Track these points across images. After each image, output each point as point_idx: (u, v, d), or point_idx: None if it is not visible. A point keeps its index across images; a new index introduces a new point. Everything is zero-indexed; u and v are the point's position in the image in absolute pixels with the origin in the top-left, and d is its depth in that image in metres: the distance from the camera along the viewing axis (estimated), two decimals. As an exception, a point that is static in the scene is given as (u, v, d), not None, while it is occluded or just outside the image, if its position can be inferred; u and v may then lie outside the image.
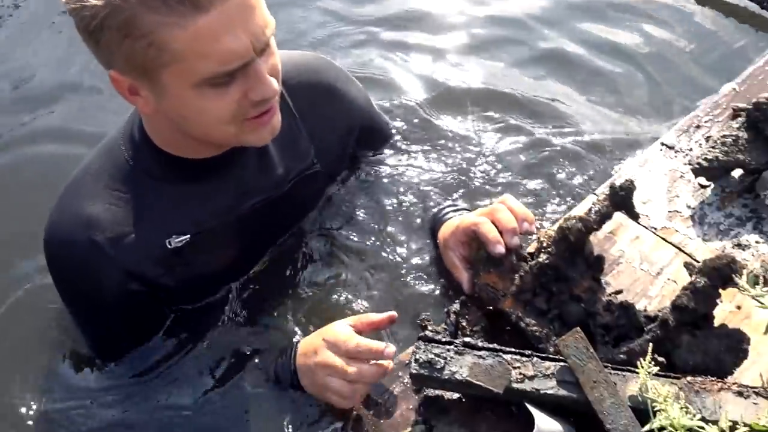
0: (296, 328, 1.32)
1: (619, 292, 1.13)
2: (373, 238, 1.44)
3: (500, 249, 1.07)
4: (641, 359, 0.91)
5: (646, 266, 1.20)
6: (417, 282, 1.36)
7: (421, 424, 1.03)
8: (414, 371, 1.00)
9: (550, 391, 0.96)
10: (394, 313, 1.12)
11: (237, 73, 1.02)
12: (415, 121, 1.76)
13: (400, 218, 1.46)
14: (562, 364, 0.98)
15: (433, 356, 1.00)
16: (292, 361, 1.15)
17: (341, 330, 1.09)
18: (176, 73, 0.99)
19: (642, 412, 0.89)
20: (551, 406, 0.97)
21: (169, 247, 1.19)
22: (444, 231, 1.26)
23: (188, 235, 1.21)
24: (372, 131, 1.54)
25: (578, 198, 1.44)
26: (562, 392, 0.95)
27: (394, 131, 1.63)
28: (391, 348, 1.05)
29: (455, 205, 1.39)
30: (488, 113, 1.80)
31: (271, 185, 1.31)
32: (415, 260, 1.39)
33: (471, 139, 1.68)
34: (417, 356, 1.00)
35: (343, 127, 1.44)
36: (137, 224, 1.17)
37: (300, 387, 1.15)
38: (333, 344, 1.07)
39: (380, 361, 1.05)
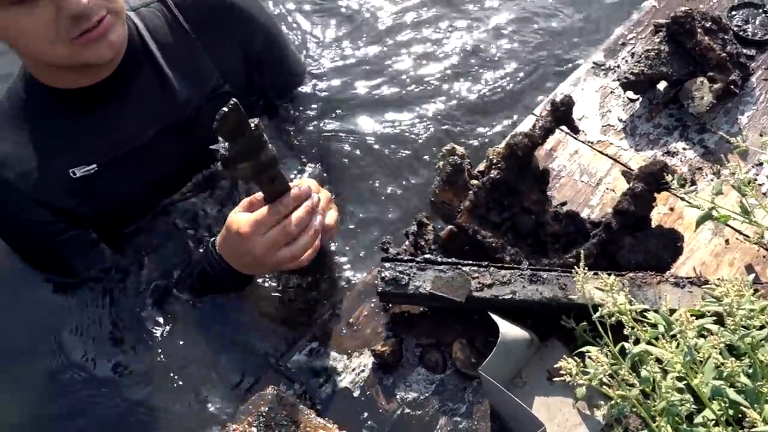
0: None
1: (564, 203, 1.21)
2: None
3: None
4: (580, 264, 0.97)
5: (585, 178, 1.28)
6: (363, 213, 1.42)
7: (392, 338, 1.09)
8: (380, 289, 1.06)
9: (507, 297, 1.03)
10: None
11: None
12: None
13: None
14: (517, 271, 1.05)
15: (397, 273, 1.06)
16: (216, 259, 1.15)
17: (247, 215, 1.05)
18: None
19: (587, 308, 0.97)
20: (511, 310, 1.04)
21: (74, 176, 1.22)
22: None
23: (93, 165, 1.23)
24: (276, 60, 1.48)
25: (519, 119, 1.50)
26: (519, 296, 1.03)
27: (307, 76, 1.60)
28: (301, 185, 1.04)
29: None
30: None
31: (174, 110, 1.30)
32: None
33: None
34: (383, 275, 1.06)
35: (243, 48, 1.40)
36: (42, 158, 1.21)
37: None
38: (255, 226, 1.03)
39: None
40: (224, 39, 1.35)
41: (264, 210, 1.02)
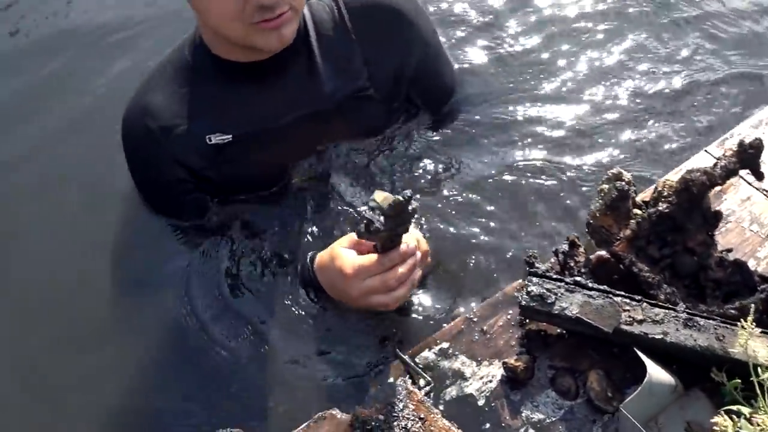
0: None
1: (729, 250, 1.14)
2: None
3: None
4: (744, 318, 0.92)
5: (755, 227, 1.20)
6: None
7: (525, 354, 1.07)
8: (524, 303, 1.04)
9: (658, 336, 0.98)
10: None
11: None
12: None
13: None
14: (672, 312, 1.00)
15: (544, 291, 1.04)
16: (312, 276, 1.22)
17: (353, 258, 1.10)
18: None
19: (745, 365, 0.91)
20: (657, 351, 1.00)
21: (209, 143, 1.30)
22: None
23: (230, 135, 1.31)
24: (431, 74, 1.51)
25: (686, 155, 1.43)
26: (671, 339, 0.98)
27: (458, 90, 1.60)
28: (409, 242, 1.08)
29: None
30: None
31: (315, 99, 1.35)
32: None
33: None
34: (529, 289, 1.04)
35: (400, 58, 1.43)
36: (187, 118, 1.30)
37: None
38: (358, 271, 1.08)
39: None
40: (383, 47, 1.40)
41: (371, 259, 1.08)
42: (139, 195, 1.44)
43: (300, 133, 1.36)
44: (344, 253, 1.11)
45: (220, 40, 1.25)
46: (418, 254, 1.11)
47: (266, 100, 1.32)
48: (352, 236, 1.13)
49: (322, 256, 1.19)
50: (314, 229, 1.39)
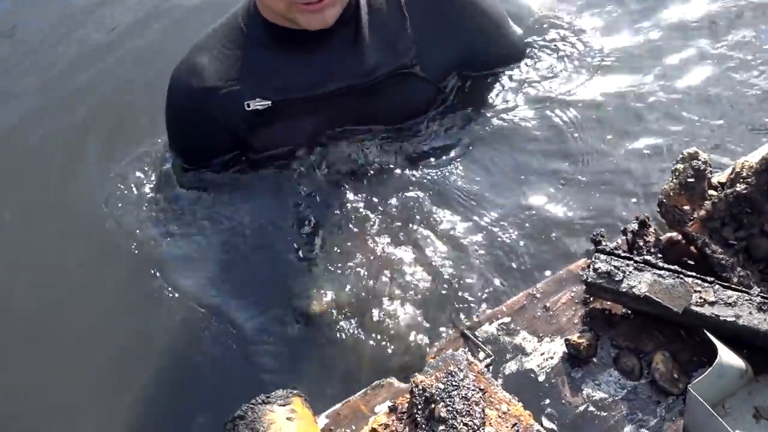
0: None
1: (808, 235, 1.10)
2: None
3: None
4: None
5: (837, 214, 1.15)
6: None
7: (588, 332, 1.05)
8: (591, 280, 1.02)
9: (729, 319, 0.95)
10: None
11: None
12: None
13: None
14: (745, 295, 0.97)
15: (611, 268, 1.02)
16: None
17: None
18: None
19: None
20: (728, 334, 0.97)
21: (248, 108, 1.34)
22: None
23: (269, 101, 1.34)
24: (490, 46, 1.50)
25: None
26: (743, 322, 0.95)
27: (525, 49, 1.57)
28: None
29: None
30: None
31: (356, 73, 1.36)
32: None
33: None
34: (596, 266, 1.02)
35: (455, 36, 1.42)
36: (230, 80, 1.35)
37: None
38: None
39: None
40: (437, 25, 1.39)
41: None
42: (170, 149, 1.51)
43: (337, 105, 1.38)
44: None
45: (271, 8, 1.28)
46: None
47: (307, 68, 1.34)
48: None
49: None
50: (334, 211, 1.41)
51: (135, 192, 1.55)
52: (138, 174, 1.59)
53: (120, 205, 1.54)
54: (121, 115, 1.86)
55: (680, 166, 1.07)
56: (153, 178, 1.57)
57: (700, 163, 1.05)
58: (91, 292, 1.44)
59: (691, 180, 1.05)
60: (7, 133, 1.91)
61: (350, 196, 1.41)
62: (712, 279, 0.99)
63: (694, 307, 0.97)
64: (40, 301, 1.45)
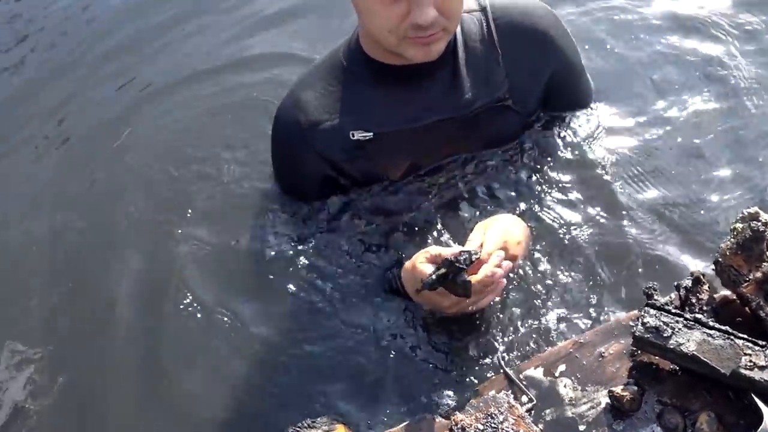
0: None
1: None
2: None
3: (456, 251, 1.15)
4: None
5: None
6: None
7: (633, 386, 1.04)
8: (639, 334, 1.02)
9: (780, 386, 0.94)
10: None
11: None
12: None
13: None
14: (798, 362, 0.95)
15: (661, 323, 1.01)
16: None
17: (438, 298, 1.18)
18: None
19: None
20: (776, 400, 0.95)
21: (352, 138, 1.40)
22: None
23: (371, 133, 1.40)
24: (568, 91, 1.56)
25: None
26: (794, 390, 0.93)
27: (595, 109, 1.61)
28: (494, 261, 1.16)
29: None
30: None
31: (455, 106, 1.42)
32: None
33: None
34: (645, 320, 1.02)
35: (541, 74, 1.48)
36: (334, 114, 1.41)
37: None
38: (436, 305, 1.23)
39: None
40: (526, 61, 1.45)
41: (448, 302, 1.18)
42: (275, 181, 1.59)
43: (435, 136, 1.44)
44: (422, 268, 1.18)
45: (376, 43, 1.34)
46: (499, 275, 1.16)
47: (409, 102, 1.41)
48: (432, 251, 1.20)
49: (405, 268, 1.26)
50: (426, 233, 1.45)
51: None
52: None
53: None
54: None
55: (739, 225, 1.06)
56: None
57: (759, 224, 1.04)
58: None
59: (750, 240, 1.04)
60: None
61: (447, 223, 1.46)
62: (764, 343, 0.98)
63: (742, 370, 0.95)
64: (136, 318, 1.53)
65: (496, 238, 1.22)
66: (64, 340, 1.51)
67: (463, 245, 1.22)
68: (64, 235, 1.75)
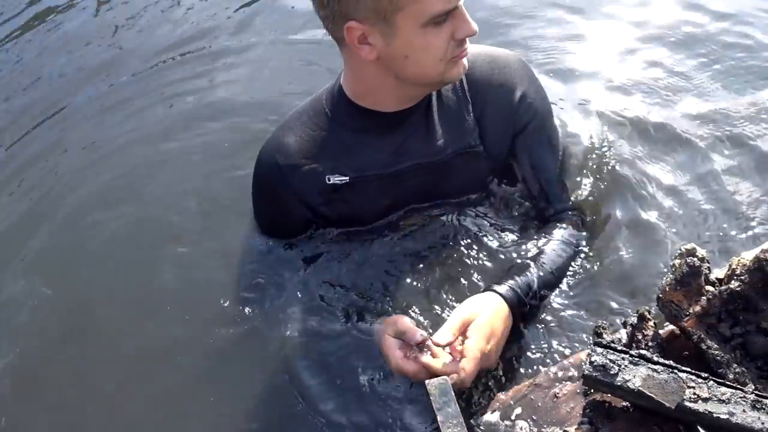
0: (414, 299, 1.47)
1: (807, 333, 1.10)
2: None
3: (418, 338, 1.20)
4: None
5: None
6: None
7: (587, 424, 1.07)
8: (586, 372, 1.04)
9: (723, 416, 0.96)
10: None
11: (450, 13, 1.25)
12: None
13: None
14: (740, 392, 0.98)
15: (607, 361, 1.04)
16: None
17: (394, 358, 1.23)
18: (410, 14, 1.23)
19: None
20: None
21: (328, 182, 1.46)
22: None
23: (347, 177, 1.46)
24: (534, 145, 1.54)
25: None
26: (737, 420, 0.96)
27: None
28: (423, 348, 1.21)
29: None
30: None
31: (428, 152, 1.48)
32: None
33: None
34: (592, 359, 1.04)
35: (514, 130, 1.52)
36: (313, 158, 1.47)
37: None
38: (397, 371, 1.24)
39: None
40: (494, 112, 1.50)
41: (408, 368, 1.20)
42: (255, 219, 1.66)
43: (409, 181, 1.50)
44: (389, 346, 1.24)
45: (378, 91, 1.40)
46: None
47: (385, 148, 1.47)
48: (399, 324, 1.24)
49: (377, 332, 1.31)
50: (406, 278, 1.50)
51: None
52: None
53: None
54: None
55: (677, 261, 1.10)
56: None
57: (695, 259, 1.08)
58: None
59: (687, 276, 1.08)
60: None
61: (420, 267, 1.51)
62: (706, 375, 1.01)
63: (687, 403, 0.98)
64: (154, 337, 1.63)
65: (475, 344, 1.20)
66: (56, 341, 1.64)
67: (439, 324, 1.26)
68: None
